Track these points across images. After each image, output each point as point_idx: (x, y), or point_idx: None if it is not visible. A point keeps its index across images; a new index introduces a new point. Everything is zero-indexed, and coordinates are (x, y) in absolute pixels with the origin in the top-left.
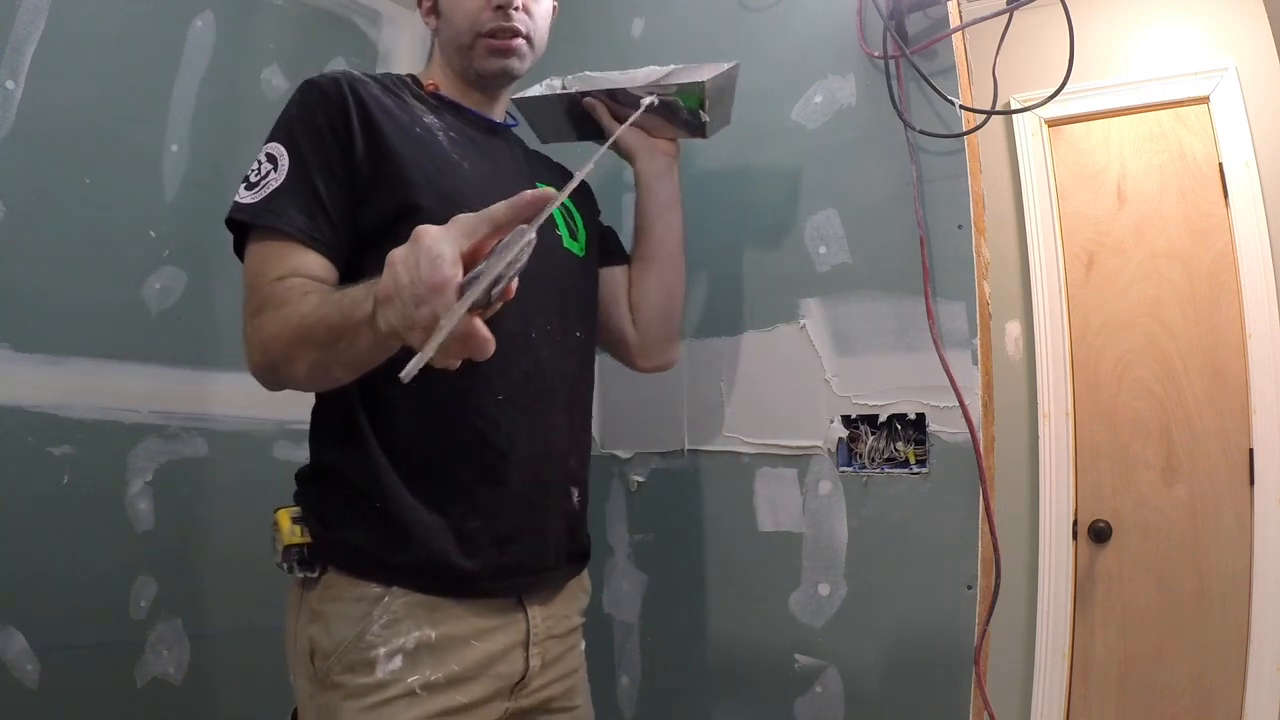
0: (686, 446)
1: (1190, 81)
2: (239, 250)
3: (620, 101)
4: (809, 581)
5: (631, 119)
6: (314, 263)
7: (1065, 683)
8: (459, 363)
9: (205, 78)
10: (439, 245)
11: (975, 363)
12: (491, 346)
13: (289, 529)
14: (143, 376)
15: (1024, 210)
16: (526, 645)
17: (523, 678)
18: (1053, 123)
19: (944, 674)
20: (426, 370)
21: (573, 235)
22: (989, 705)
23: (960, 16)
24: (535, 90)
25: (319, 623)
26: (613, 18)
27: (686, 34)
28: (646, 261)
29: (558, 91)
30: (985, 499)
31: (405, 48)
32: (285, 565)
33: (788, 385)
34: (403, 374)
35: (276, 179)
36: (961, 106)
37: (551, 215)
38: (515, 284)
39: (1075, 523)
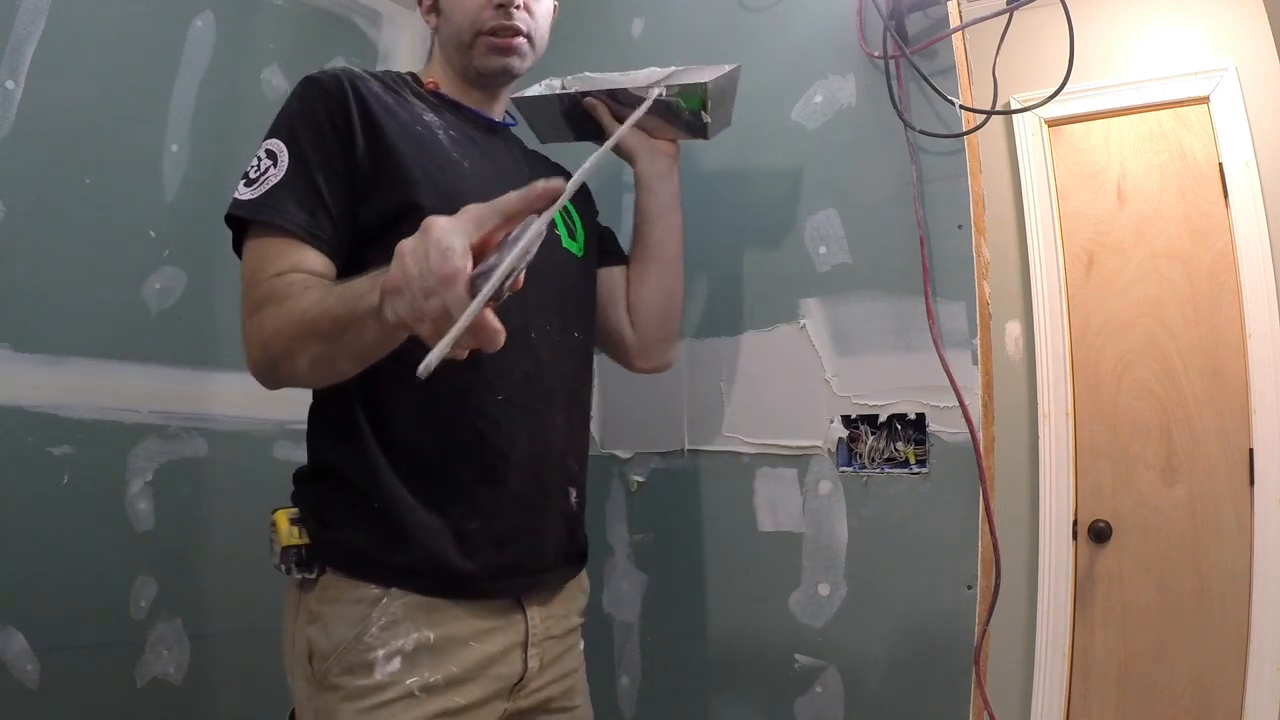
0: (686, 446)
1: (1190, 81)
2: (238, 247)
3: (621, 102)
4: (809, 581)
5: (638, 112)
6: (314, 259)
7: (1065, 683)
8: (466, 353)
9: (205, 78)
10: (449, 237)
11: (975, 363)
12: (502, 337)
13: (287, 530)
14: (143, 376)
15: (1024, 210)
16: (525, 646)
17: (521, 678)
18: (1053, 123)
19: (944, 674)
20: None
21: (571, 235)
22: (989, 705)
23: (960, 16)
24: (535, 90)
25: (317, 624)
26: (613, 18)
27: (686, 34)
28: (646, 262)
29: (557, 91)
30: (985, 499)
31: (405, 48)
32: (283, 567)
33: (788, 385)
34: (420, 369)
35: (276, 175)
36: (961, 106)
37: None
38: (523, 276)
39: (1075, 523)
